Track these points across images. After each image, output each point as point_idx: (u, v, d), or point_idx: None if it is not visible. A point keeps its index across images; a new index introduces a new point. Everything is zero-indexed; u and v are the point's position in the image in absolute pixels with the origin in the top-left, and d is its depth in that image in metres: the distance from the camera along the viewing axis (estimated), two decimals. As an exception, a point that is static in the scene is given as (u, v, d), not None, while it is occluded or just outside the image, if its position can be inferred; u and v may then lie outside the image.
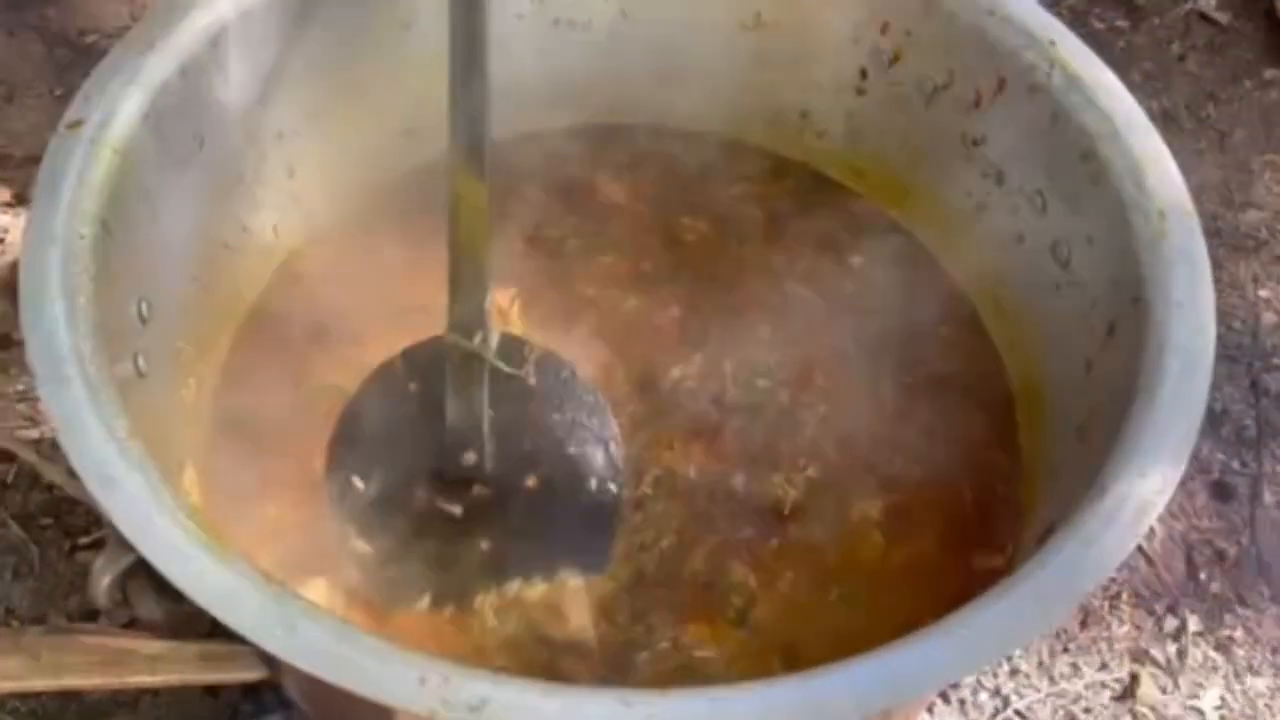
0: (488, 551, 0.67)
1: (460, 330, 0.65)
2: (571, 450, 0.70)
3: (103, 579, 0.51)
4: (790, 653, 0.67)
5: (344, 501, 0.68)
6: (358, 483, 0.68)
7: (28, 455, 0.98)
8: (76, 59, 1.24)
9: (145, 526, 0.49)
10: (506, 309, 0.79)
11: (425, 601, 0.65)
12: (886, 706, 0.47)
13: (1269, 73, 1.40)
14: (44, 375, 0.53)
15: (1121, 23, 1.42)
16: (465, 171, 0.64)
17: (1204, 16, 1.44)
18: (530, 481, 0.69)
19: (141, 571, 0.51)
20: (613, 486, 0.69)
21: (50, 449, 1.00)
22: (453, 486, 0.69)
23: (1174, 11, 1.45)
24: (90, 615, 0.92)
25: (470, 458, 0.68)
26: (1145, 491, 0.54)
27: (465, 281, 0.65)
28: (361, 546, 0.67)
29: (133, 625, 0.90)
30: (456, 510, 0.68)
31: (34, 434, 1.01)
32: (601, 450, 0.70)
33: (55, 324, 0.54)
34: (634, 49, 0.88)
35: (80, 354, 0.54)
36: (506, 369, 0.66)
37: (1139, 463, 0.55)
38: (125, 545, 0.50)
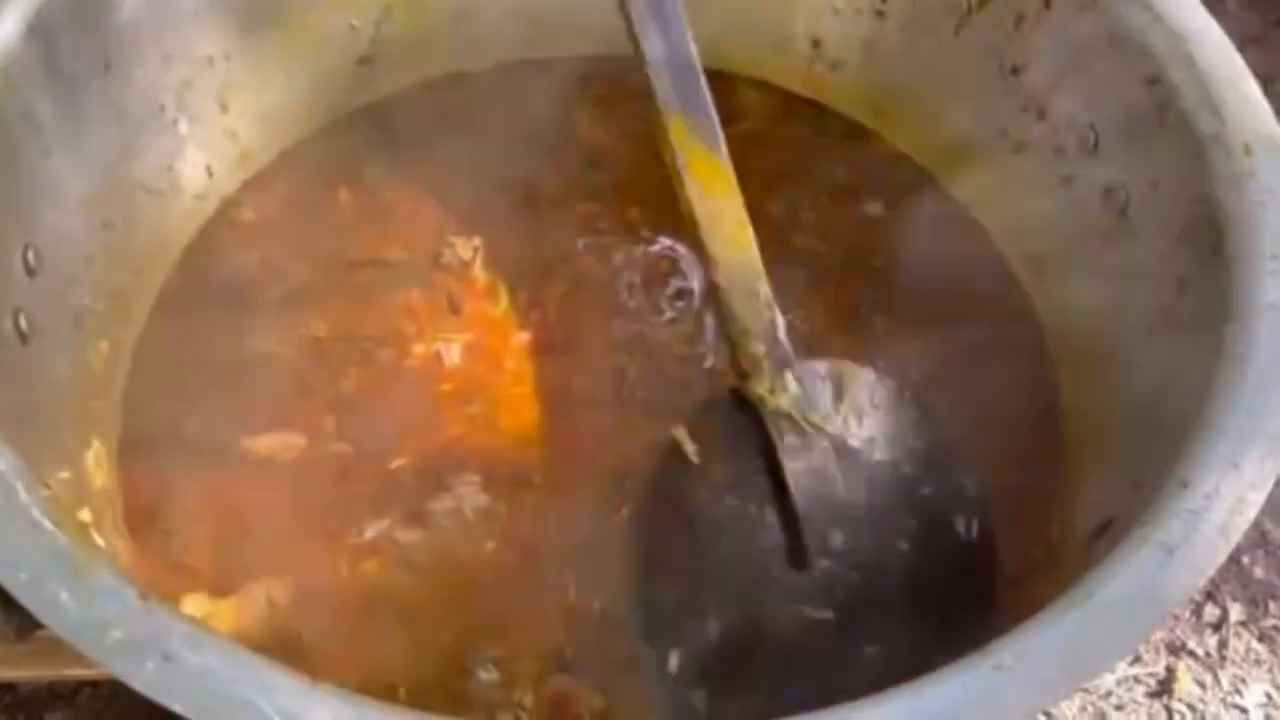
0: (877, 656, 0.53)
1: (762, 377, 0.52)
2: (926, 492, 0.56)
3: (-60, 593, 0.41)
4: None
5: (674, 654, 0.53)
6: (688, 624, 0.53)
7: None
8: None
9: (-16, 527, 0.39)
10: (469, 261, 0.70)
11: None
12: (922, 759, 0.37)
13: (1319, 12, 1.31)
14: None
15: (1157, -41, 1.33)
16: (691, 142, 0.47)
17: (1248, -49, 1.35)
18: (903, 546, 0.55)
19: (-11, 583, 0.41)
20: (976, 523, 0.56)
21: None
22: (817, 585, 0.54)
23: (1215, -54, 1.36)
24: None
25: (838, 539, 0.54)
26: (1239, 486, 0.44)
27: (741, 304, 0.50)
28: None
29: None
30: (828, 615, 0.53)
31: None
32: (952, 479, 0.57)
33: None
34: (621, -32, 0.79)
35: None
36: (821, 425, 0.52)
37: (1229, 450, 0.45)
38: (-32, 550, 0.40)
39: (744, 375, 0.52)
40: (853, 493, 0.55)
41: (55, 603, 0.38)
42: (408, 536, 0.61)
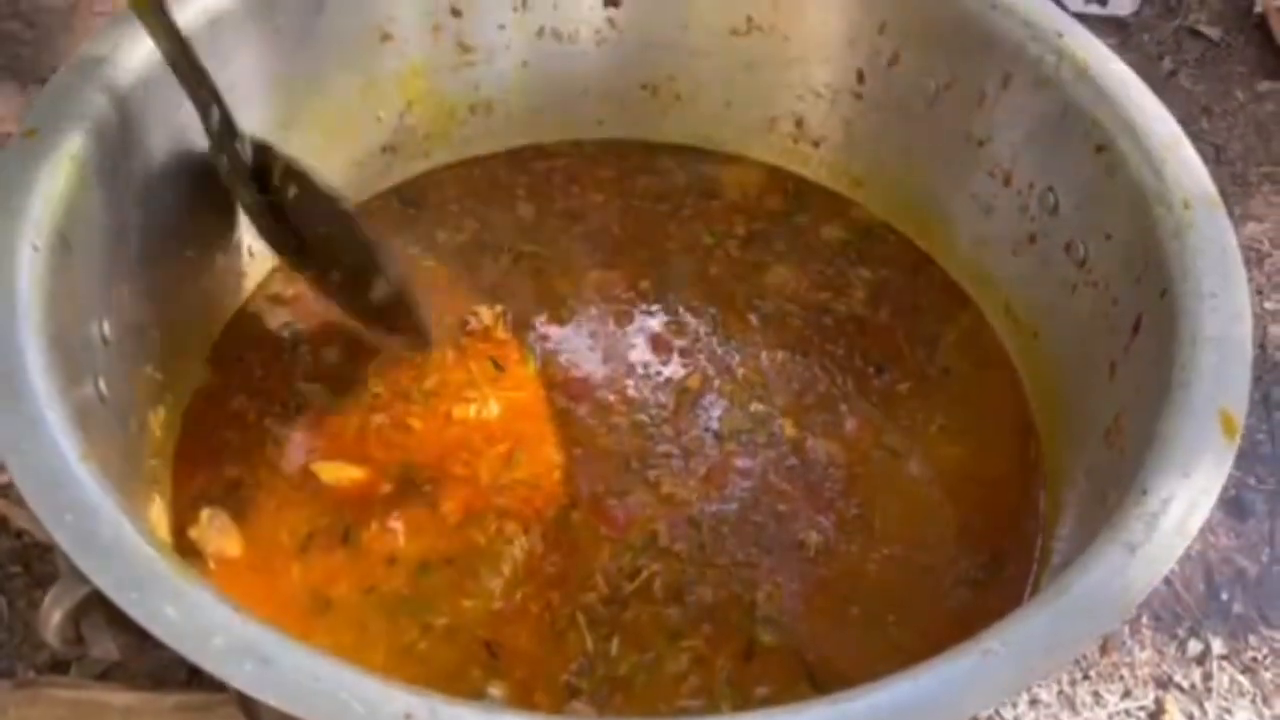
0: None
1: (216, 143, 0.68)
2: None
3: (53, 614, 0.46)
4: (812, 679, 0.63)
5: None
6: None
7: (-6, 501, 0.94)
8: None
9: (99, 552, 0.44)
10: (492, 325, 0.76)
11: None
12: (923, 732, 0.42)
13: (1263, 85, 1.39)
14: (-11, 390, 0.48)
15: (1111, 40, 1.41)
16: None
17: (1195, 32, 1.44)
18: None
19: (97, 605, 0.46)
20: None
21: (20, 493, 0.95)
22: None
23: (1165, 28, 1.45)
24: (61, 667, 0.88)
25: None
26: (1191, 492, 0.50)
27: (189, 83, 0.65)
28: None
29: (105, 676, 0.87)
30: None
31: (3, 479, 0.97)
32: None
33: (4, 337, 0.50)
34: (622, 60, 0.86)
35: (32, 368, 0.50)
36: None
37: (1181, 461, 0.51)
38: (78, 576, 0.45)
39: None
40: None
41: (162, 616, 0.43)
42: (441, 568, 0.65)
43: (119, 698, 0.85)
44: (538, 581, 0.66)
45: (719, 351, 0.77)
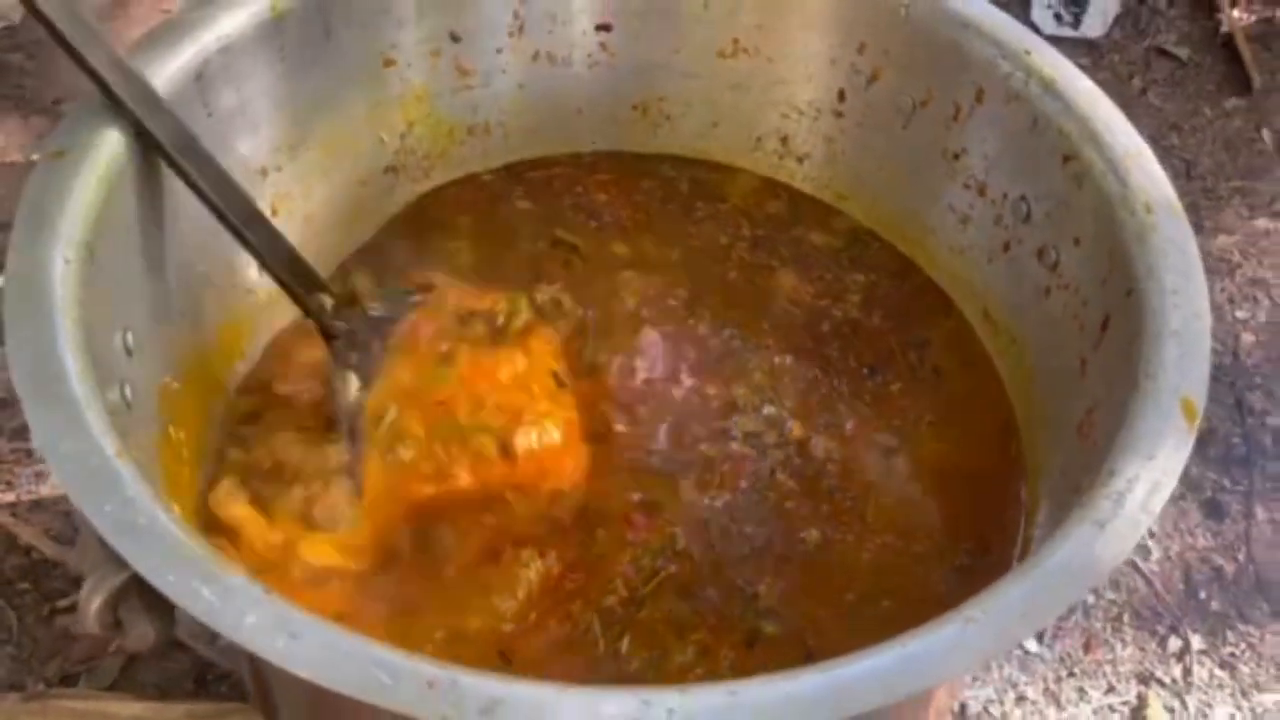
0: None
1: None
2: None
3: (92, 601, 0.49)
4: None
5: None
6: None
7: (3, 518, 0.96)
8: (52, 128, 1.25)
9: (137, 538, 0.47)
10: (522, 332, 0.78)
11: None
12: (911, 692, 0.46)
13: (1230, 102, 1.44)
14: (29, 392, 0.51)
15: (1083, 60, 1.46)
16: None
17: (1163, 51, 1.49)
18: None
19: (133, 592, 0.49)
20: None
21: (27, 511, 0.98)
22: None
23: (1134, 48, 1.49)
24: (70, 679, 0.90)
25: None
26: (1154, 472, 0.54)
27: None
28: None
29: (113, 687, 0.89)
30: None
31: (10, 497, 0.99)
32: None
33: (40, 343, 0.53)
34: (614, 82, 0.90)
35: (67, 371, 0.53)
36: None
37: (1146, 446, 0.55)
38: (115, 564, 0.48)
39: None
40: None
41: (198, 597, 0.46)
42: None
43: (127, 708, 0.87)
44: (556, 598, 0.67)
45: (736, 355, 0.80)
